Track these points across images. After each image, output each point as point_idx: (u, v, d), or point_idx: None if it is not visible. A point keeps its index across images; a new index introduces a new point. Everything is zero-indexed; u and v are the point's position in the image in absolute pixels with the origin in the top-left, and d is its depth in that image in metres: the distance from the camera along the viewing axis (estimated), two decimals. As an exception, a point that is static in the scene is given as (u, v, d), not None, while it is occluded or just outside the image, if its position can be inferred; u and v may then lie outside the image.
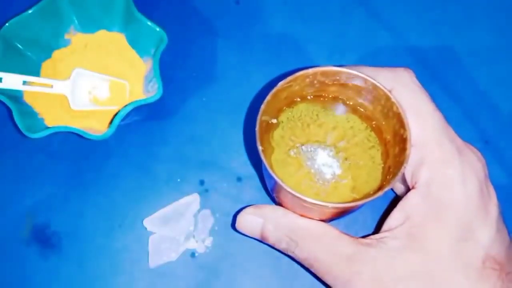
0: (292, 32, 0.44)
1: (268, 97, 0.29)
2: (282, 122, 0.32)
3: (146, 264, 0.36)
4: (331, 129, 0.32)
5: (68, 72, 0.39)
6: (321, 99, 0.32)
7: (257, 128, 0.28)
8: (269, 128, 0.32)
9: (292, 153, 0.31)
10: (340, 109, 0.32)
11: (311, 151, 0.31)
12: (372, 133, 0.32)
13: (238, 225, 0.32)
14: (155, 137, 0.40)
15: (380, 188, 0.27)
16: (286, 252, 0.31)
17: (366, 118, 0.32)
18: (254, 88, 0.41)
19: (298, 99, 0.32)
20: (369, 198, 0.27)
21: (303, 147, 0.31)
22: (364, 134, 0.32)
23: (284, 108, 0.32)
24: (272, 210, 0.31)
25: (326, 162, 0.31)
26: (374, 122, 0.32)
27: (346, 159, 0.31)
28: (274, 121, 0.31)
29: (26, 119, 0.36)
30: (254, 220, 0.31)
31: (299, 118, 0.32)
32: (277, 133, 0.31)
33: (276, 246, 0.32)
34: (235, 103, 0.41)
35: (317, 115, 0.32)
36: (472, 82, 0.43)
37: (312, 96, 0.32)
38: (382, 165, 0.31)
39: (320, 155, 0.31)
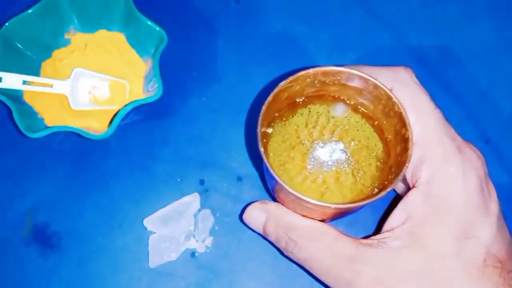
0: (292, 32, 0.44)
1: (269, 98, 0.29)
2: (278, 174, 0.31)
3: (146, 264, 0.36)
4: (304, 127, 0.32)
5: (68, 72, 0.39)
6: (313, 99, 0.32)
7: (258, 129, 0.28)
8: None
9: (308, 181, 0.31)
10: (341, 109, 0.32)
11: (316, 159, 0.31)
12: (341, 104, 0.32)
13: (244, 217, 0.33)
14: (155, 137, 0.40)
15: (382, 188, 0.27)
16: (285, 253, 0.31)
17: (367, 117, 0.32)
18: (254, 88, 0.41)
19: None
20: (371, 199, 0.27)
21: (309, 165, 0.31)
22: (326, 115, 0.32)
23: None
24: (276, 207, 0.31)
25: (331, 151, 0.31)
26: (375, 122, 0.32)
27: (339, 135, 0.31)
28: (270, 130, 0.31)
29: (26, 119, 0.36)
30: (259, 214, 0.32)
31: (282, 152, 0.31)
32: (285, 179, 0.31)
33: (276, 244, 0.32)
34: (236, 103, 0.41)
35: (285, 128, 0.32)
36: (472, 82, 0.43)
37: (272, 118, 0.32)
38: (365, 123, 0.32)
39: (322, 153, 0.31)
